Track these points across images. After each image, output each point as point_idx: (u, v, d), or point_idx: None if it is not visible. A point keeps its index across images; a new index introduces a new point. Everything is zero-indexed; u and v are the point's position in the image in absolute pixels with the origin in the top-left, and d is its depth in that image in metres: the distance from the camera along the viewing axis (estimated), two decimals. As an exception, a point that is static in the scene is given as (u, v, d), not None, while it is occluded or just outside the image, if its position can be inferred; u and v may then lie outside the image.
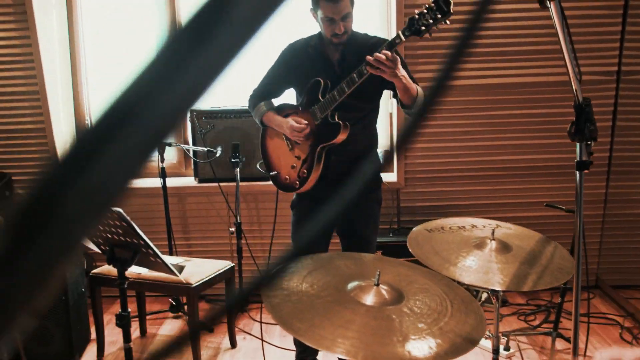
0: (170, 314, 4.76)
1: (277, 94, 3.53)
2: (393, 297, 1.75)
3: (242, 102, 4.99)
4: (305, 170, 3.27)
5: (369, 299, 1.74)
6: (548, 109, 4.79)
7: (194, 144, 4.91)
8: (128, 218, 2.54)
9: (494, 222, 2.44)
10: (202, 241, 5.09)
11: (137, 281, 3.88)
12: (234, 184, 4.80)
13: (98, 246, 2.97)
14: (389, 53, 2.83)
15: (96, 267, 4.89)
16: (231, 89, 5.13)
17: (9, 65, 4.90)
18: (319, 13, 3.11)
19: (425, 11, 2.84)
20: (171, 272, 2.77)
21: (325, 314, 1.66)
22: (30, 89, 4.90)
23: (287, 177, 3.38)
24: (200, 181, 5.00)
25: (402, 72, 2.90)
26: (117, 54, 5.15)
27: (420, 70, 4.68)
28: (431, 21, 2.82)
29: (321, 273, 1.86)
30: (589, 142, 2.74)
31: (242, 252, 4.66)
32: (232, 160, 4.61)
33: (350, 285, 1.80)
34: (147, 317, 4.51)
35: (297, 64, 3.33)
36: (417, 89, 3.05)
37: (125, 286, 2.84)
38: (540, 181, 4.93)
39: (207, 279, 3.84)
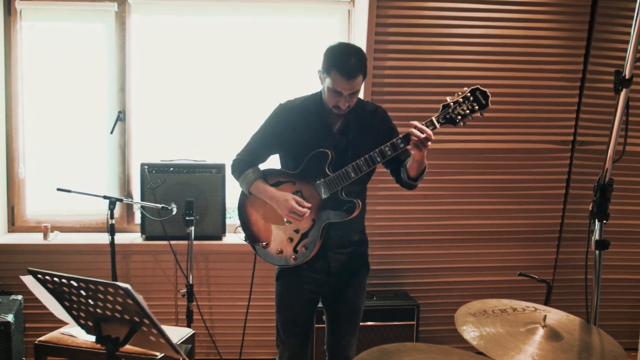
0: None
1: (265, 158, 3.26)
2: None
3: (195, 156, 4.78)
4: (305, 246, 3.05)
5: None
6: (509, 175, 4.84)
7: (142, 199, 4.60)
8: (136, 296, 2.26)
9: (531, 305, 2.35)
10: (146, 302, 4.74)
11: (92, 351, 3.55)
12: (182, 242, 4.55)
13: (76, 320, 2.66)
14: (430, 133, 2.77)
15: (23, 329, 4.48)
16: (184, 142, 4.89)
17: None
18: (327, 81, 2.91)
19: (461, 100, 2.80)
20: (177, 352, 2.50)
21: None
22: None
23: (280, 249, 3.12)
24: (147, 238, 4.68)
25: None
26: (58, 102, 4.82)
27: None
28: (467, 112, 2.80)
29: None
30: (605, 221, 2.72)
31: (192, 315, 4.37)
32: (187, 217, 4.36)
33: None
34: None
35: (292, 128, 3.08)
36: (426, 161, 2.99)
37: (115, 368, 2.54)
38: (499, 246, 4.95)
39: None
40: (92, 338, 3.49)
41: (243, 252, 4.66)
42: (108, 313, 2.46)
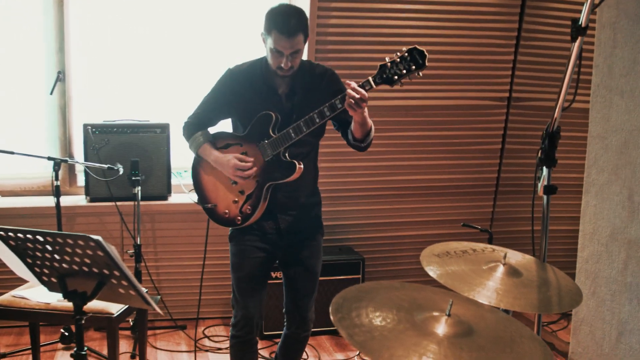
0: (61, 345, 4.36)
1: (214, 122, 3.30)
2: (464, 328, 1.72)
3: (139, 116, 4.75)
4: (249, 207, 3.10)
5: (441, 329, 1.69)
6: (449, 131, 5.00)
7: (85, 160, 4.54)
8: (107, 247, 2.27)
9: (489, 246, 2.47)
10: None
11: (45, 312, 3.52)
12: (128, 203, 4.54)
13: (39, 277, 2.64)
14: (365, 94, 2.79)
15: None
16: (126, 102, 4.83)
17: None
18: (269, 42, 2.94)
19: (398, 60, 2.81)
20: (147, 303, 2.52)
21: (409, 345, 1.59)
22: None
23: (227, 211, 3.17)
24: (91, 200, 4.63)
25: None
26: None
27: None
28: (404, 71, 2.80)
29: (383, 306, 1.78)
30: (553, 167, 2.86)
31: (141, 276, 4.37)
32: (133, 178, 4.34)
33: (419, 316, 1.74)
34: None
35: (239, 93, 3.12)
36: (371, 122, 3.03)
37: (83, 322, 2.55)
38: (439, 200, 5.14)
39: (127, 306, 3.55)
40: (46, 299, 3.53)
41: (189, 211, 4.69)
42: (75, 267, 2.45)
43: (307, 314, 3.35)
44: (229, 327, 4.74)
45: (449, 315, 1.74)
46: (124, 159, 4.48)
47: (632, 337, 3.54)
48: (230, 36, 4.89)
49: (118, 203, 4.55)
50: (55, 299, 3.54)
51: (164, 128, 4.67)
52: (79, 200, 4.70)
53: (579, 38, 2.12)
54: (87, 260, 2.39)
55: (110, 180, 4.50)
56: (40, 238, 2.39)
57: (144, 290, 2.44)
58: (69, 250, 2.38)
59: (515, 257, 2.43)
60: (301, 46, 2.95)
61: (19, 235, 2.43)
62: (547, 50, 4.92)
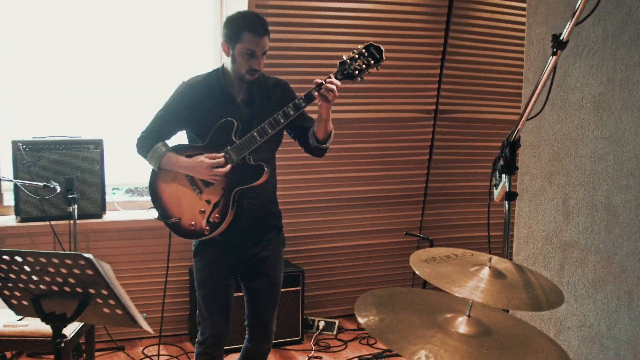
0: (-6, 373, 4.17)
1: (171, 134, 3.26)
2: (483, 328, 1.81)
3: (70, 132, 4.62)
4: (218, 215, 3.09)
5: (463, 329, 1.78)
6: (379, 143, 5.14)
7: (15, 178, 4.36)
8: (98, 266, 2.21)
9: (468, 252, 2.58)
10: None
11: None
12: (60, 222, 4.39)
13: (7, 300, 2.53)
14: (338, 83, 2.91)
15: None
16: (60, 116, 4.68)
17: None
18: (238, 47, 2.98)
19: (356, 56, 2.95)
20: (135, 323, 2.45)
21: (440, 345, 1.67)
22: None
23: (193, 222, 3.13)
24: (22, 220, 4.45)
25: None
26: None
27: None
28: (364, 66, 2.95)
29: (405, 309, 1.85)
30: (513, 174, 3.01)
31: (78, 296, 4.24)
32: (69, 196, 4.21)
33: (440, 317, 1.82)
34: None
35: (197, 104, 3.12)
36: (332, 125, 3.12)
37: (63, 345, 2.46)
38: (371, 211, 5.25)
39: (79, 327, 3.45)
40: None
41: (125, 229, 4.60)
42: (55, 288, 2.37)
43: (270, 326, 3.35)
44: (167, 346, 4.71)
45: (469, 315, 1.82)
46: (57, 176, 4.33)
47: (571, 333, 3.75)
48: (162, 49, 4.84)
49: (48, 223, 4.39)
50: (1, 325, 3.40)
51: (98, 144, 4.55)
52: (7, 220, 4.50)
53: (559, 52, 2.26)
54: (72, 280, 2.32)
55: (46, 198, 4.33)
56: (19, 259, 2.30)
57: (135, 308, 2.39)
58: (51, 270, 2.29)
59: (492, 260, 2.55)
60: (268, 47, 3.04)
61: (-7, 256, 2.32)
62: (471, 65, 5.16)
